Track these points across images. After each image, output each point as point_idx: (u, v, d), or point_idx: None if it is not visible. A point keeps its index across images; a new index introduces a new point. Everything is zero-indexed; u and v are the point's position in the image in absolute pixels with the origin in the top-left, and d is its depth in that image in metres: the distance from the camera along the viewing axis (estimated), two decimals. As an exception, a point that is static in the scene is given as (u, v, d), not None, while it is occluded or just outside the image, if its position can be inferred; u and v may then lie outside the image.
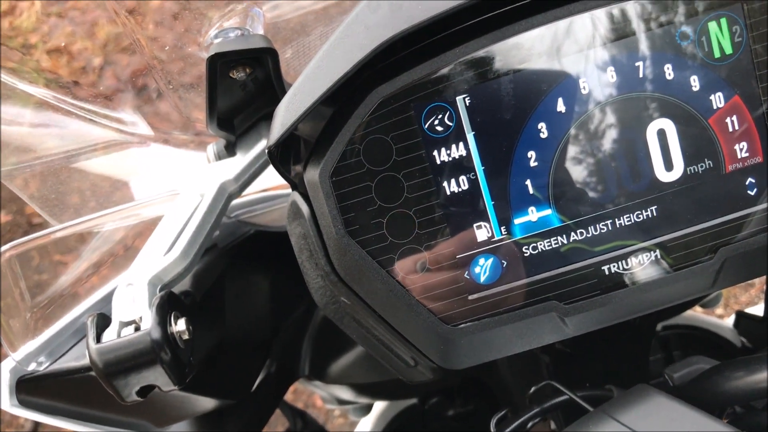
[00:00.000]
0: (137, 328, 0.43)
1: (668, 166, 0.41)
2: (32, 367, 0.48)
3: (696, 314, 0.91)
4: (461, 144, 0.40)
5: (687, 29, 0.39)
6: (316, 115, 0.40)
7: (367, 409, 0.91)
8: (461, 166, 0.40)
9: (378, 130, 0.39)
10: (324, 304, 0.44)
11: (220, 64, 0.45)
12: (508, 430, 0.48)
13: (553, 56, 0.39)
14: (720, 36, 0.40)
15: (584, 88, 0.39)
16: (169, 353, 0.42)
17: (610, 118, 0.40)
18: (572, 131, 0.40)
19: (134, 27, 0.50)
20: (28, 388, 0.48)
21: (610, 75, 0.39)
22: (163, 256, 0.47)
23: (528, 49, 0.39)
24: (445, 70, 0.39)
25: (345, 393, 0.77)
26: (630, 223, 0.42)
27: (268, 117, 0.53)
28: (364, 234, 0.41)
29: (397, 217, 0.40)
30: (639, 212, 0.41)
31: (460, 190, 0.40)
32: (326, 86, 0.36)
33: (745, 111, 0.41)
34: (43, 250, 0.51)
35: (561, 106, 0.39)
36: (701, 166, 0.41)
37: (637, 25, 0.39)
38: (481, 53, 0.38)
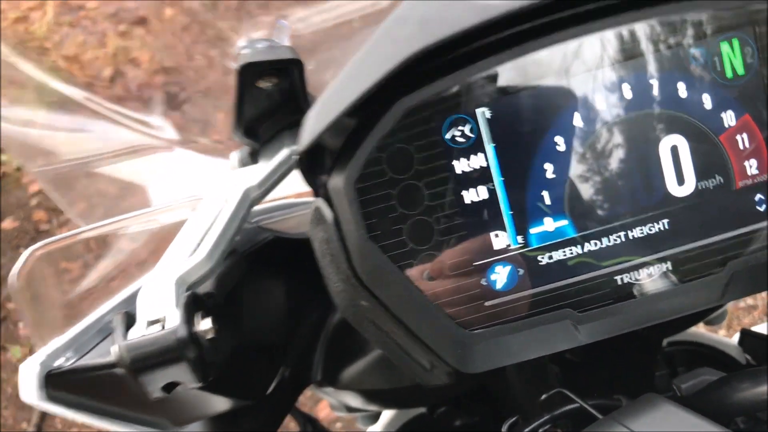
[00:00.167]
0: (163, 327, 0.44)
1: (680, 181, 0.42)
2: (60, 362, 0.49)
3: (701, 331, 0.92)
4: (481, 155, 0.41)
5: (700, 49, 0.41)
6: (339, 125, 0.42)
7: (375, 418, 0.92)
8: (481, 176, 0.42)
9: (401, 140, 0.41)
10: (344, 307, 0.45)
11: (249, 73, 0.47)
12: None
13: (571, 73, 0.40)
14: (732, 56, 0.41)
15: (600, 104, 0.41)
16: (195, 351, 0.44)
17: (625, 133, 0.42)
18: (588, 145, 0.41)
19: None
20: (54, 382, 0.49)
21: (626, 92, 0.41)
22: (188, 257, 0.49)
23: (547, 65, 0.40)
24: (467, 84, 0.40)
25: (354, 400, 0.78)
26: (642, 235, 0.43)
27: (291, 126, 0.54)
28: (386, 239, 0.42)
29: (418, 223, 0.42)
30: (651, 225, 0.43)
31: (479, 199, 0.42)
32: (355, 96, 0.38)
33: (756, 129, 0.42)
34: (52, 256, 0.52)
35: (578, 121, 0.41)
36: (712, 182, 0.43)
37: (652, 45, 0.40)
38: (502, 68, 0.40)
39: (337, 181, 0.42)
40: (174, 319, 0.44)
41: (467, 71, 0.40)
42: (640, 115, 0.41)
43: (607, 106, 0.41)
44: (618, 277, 0.44)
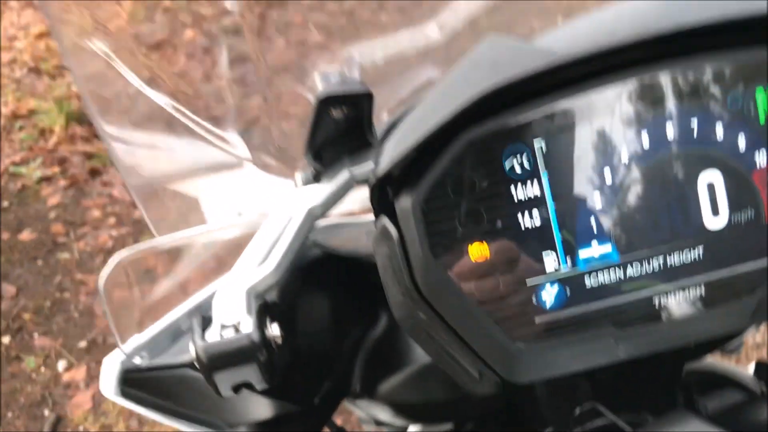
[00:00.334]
0: (236, 330, 0.49)
1: (715, 213, 0.47)
2: (137, 360, 0.53)
3: (717, 362, 0.95)
4: (536, 183, 0.46)
5: (737, 95, 0.45)
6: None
7: (400, 434, 0.95)
8: (535, 203, 0.46)
9: (465, 167, 0.45)
10: (402, 318, 0.49)
11: (325, 104, 0.52)
12: None
13: (621, 112, 0.45)
14: (765, 104, 0.46)
15: (645, 141, 0.45)
16: (265, 354, 0.48)
17: (666, 168, 0.46)
18: (633, 179, 0.46)
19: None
20: (129, 380, 0.53)
21: (669, 131, 0.45)
22: (256, 267, 0.53)
23: (598, 105, 0.45)
24: (527, 119, 0.45)
25: (385, 413, 0.82)
26: (679, 262, 0.47)
27: (351, 151, 0.59)
28: (447, 258, 0.46)
29: (477, 244, 0.46)
30: (687, 253, 0.47)
31: (533, 224, 0.46)
32: (432, 127, 0.43)
33: None
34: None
35: (624, 156, 0.45)
36: (744, 215, 0.47)
37: (695, 90, 0.45)
38: (559, 106, 0.45)
39: (405, 203, 0.46)
40: (247, 324, 0.49)
41: (528, 107, 0.44)
42: (680, 153, 0.46)
43: (650, 143, 0.45)
44: (656, 299, 0.48)
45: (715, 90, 0.45)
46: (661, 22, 0.41)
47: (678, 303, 0.48)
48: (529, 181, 0.46)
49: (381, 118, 0.62)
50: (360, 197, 0.65)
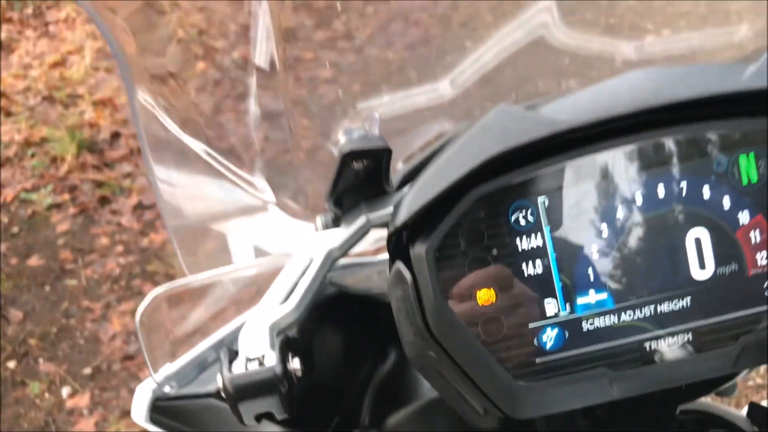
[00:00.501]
0: (260, 363, 0.53)
1: (702, 266, 0.51)
2: (166, 389, 0.58)
3: (711, 403, 0.99)
4: (539, 235, 0.50)
5: (722, 160, 0.50)
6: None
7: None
8: (538, 253, 0.51)
9: (473, 220, 0.50)
10: (414, 357, 0.54)
11: (348, 157, 0.56)
12: None
13: (615, 173, 0.50)
14: (748, 167, 0.50)
15: (638, 200, 0.50)
16: (287, 386, 0.52)
17: (657, 225, 0.51)
18: (627, 233, 0.50)
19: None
20: (159, 407, 0.57)
21: (659, 191, 0.50)
22: (279, 305, 0.57)
23: (596, 166, 0.50)
24: (531, 177, 0.50)
25: (391, 447, 0.85)
26: (668, 310, 0.52)
27: (369, 198, 0.64)
28: (457, 301, 0.51)
29: (484, 290, 0.51)
30: (676, 302, 0.52)
31: (535, 272, 0.51)
32: (446, 185, 0.47)
33: (766, 227, 0.51)
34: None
35: (619, 213, 0.50)
36: (728, 269, 0.51)
37: (684, 154, 0.50)
38: (559, 167, 0.49)
39: (419, 250, 0.50)
40: (271, 358, 0.53)
41: (532, 168, 0.49)
42: (670, 211, 0.50)
43: (643, 202, 0.50)
44: (647, 344, 0.52)
45: (702, 155, 0.50)
46: (649, 99, 0.46)
47: (668, 347, 0.52)
48: (532, 233, 0.50)
49: (396, 167, 0.67)
50: (372, 238, 0.69)
